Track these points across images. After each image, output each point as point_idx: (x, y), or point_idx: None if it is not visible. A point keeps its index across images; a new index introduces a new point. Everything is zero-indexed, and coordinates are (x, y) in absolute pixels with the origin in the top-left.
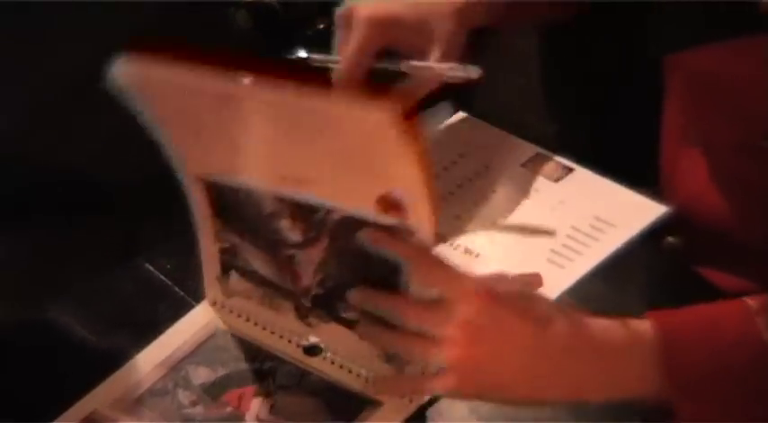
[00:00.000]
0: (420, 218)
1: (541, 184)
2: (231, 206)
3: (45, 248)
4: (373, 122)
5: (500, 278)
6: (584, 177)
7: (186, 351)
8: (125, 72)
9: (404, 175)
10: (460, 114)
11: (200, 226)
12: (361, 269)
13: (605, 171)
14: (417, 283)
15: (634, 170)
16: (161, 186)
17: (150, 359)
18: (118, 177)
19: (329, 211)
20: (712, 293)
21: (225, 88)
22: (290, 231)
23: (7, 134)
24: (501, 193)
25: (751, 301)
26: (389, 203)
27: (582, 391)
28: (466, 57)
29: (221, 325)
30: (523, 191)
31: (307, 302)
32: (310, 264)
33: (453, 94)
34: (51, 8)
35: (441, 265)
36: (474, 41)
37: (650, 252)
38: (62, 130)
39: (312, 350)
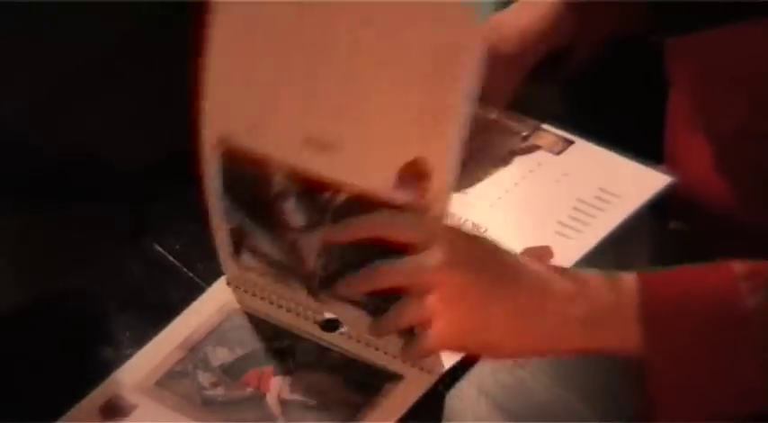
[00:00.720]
0: (438, 193)
1: (543, 157)
2: (240, 185)
3: (55, 230)
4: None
5: None
6: (585, 149)
7: (203, 333)
8: None
9: (440, 134)
10: None
11: (211, 204)
12: (361, 253)
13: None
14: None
15: (638, 152)
16: (171, 167)
17: (168, 341)
18: (127, 158)
19: (336, 192)
20: None
21: None
22: (295, 214)
23: (19, 118)
24: (505, 169)
25: (737, 266)
26: (413, 174)
27: (561, 341)
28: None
29: (237, 305)
30: (526, 165)
31: (314, 284)
32: (313, 248)
33: None
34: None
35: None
36: None
37: (655, 236)
38: (71, 113)
39: (329, 325)
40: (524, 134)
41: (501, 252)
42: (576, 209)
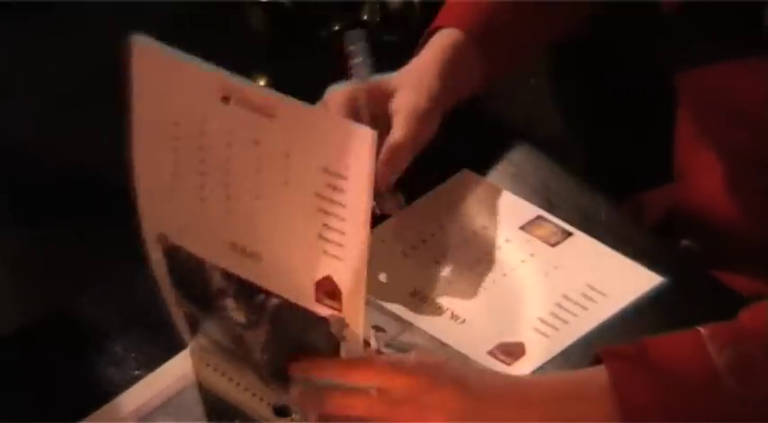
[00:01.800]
0: (352, 311)
1: (538, 247)
2: (185, 278)
3: (63, 249)
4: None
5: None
6: (582, 242)
7: (156, 405)
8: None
9: (344, 255)
10: (467, 172)
11: (162, 288)
12: (301, 352)
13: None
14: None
15: (648, 168)
16: None
17: (118, 410)
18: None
19: (269, 296)
20: (729, 296)
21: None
22: (235, 312)
23: (29, 138)
24: (496, 257)
25: (703, 330)
26: (327, 290)
27: None
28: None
29: (194, 378)
30: (519, 255)
31: (264, 373)
32: (257, 343)
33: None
34: (65, 8)
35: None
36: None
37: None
38: (79, 133)
39: (282, 411)
40: (523, 222)
41: (463, 385)
42: (558, 305)
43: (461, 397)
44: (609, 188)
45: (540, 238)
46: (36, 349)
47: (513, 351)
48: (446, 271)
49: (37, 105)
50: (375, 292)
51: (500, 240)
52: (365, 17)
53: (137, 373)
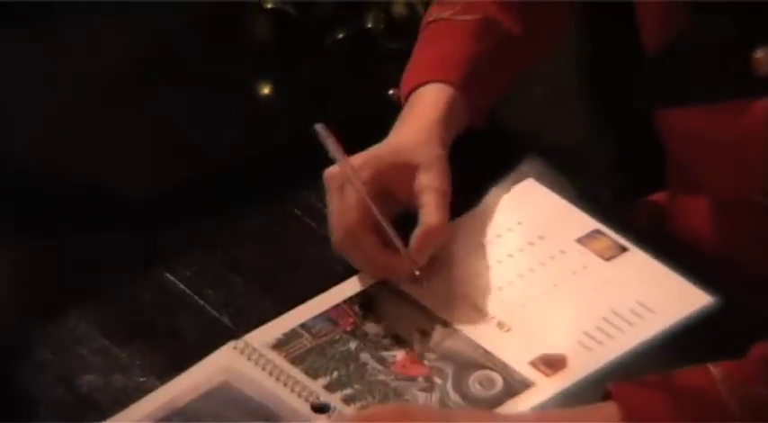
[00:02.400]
0: None
1: (592, 261)
2: None
3: (66, 258)
4: None
5: None
6: (636, 258)
7: (192, 397)
8: None
9: None
10: (530, 181)
11: None
12: None
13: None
14: None
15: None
16: (181, 196)
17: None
18: (138, 188)
19: None
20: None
21: None
22: None
23: (30, 148)
24: (549, 268)
25: (714, 369)
26: None
27: None
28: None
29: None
30: (572, 267)
31: None
32: None
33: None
34: (72, 23)
35: None
36: None
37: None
38: (82, 144)
39: (321, 409)
40: (579, 235)
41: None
42: (606, 320)
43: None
44: (614, 194)
45: (594, 251)
46: (40, 359)
47: (554, 362)
48: (498, 278)
49: (42, 119)
50: (425, 296)
51: (555, 251)
52: (370, 24)
53: (141, 380)
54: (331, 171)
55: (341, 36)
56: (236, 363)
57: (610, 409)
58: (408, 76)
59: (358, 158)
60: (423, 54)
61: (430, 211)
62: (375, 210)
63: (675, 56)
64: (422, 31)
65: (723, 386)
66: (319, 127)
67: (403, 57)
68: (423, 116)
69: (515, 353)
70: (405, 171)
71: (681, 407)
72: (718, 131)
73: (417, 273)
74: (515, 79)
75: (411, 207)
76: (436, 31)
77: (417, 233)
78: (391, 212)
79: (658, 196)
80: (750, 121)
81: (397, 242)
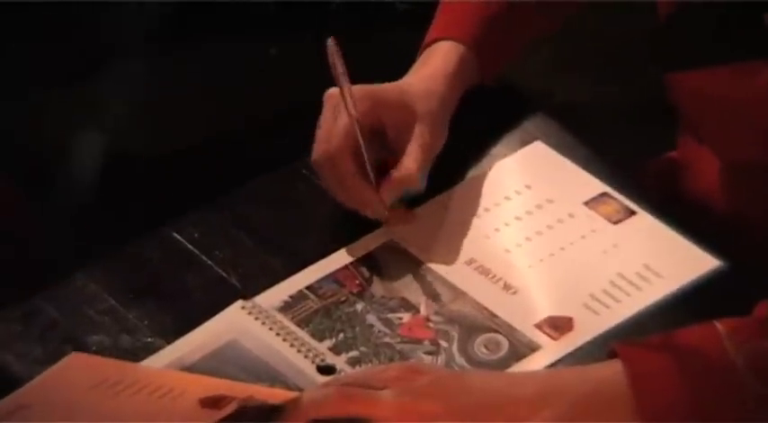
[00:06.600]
0: None
1: (600, 224)
2: None
3: (74, 218)
4: None
5: None
6: (644, 222)
7: (200, 356)
8: None
9: None
10: (538, 144)
11: None
12: None
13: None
14: None
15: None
16: (189, 156)
17: (160, 361)
18: (145, 147)
19: None
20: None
21: None
22: None
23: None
24: (557, 231)
25: (720, 326)
26: None
27: None
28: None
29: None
30: (580, 230)
31: None
32: None
33: None
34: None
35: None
36: None
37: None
38: (87, 105)
39: (326, 370)
40: (587, 198)
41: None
42: (612, 283)
43: (452, 375)
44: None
45: (602, 215)
46: (49, 321)
47: (560, 325)
48: (505, 241)
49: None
50: (433, 258)
51: (563, 214)
52: None
53: (149, 340)
54: (332, 90)
55: None
56: (244, 321)
57: (615, 367)
58: (427, 35)
59: (362, 89)
60: (441, 13)
61: (410, 159)
62: (361, 139)
63: (688, 18)
64: None
65: (728, 342)
66: (331, 42)
67: (415, 17)
68: (432, 67)
69: (521, 315)
70: (402, 111)
71: (686, 363)
72: (729, 93)
73: (386, 214)
74: (528, 44)
75: (395, 149)
76: None
77: (392, 173)
78: (376, 151)
79: (668, 157)
80: (762, 82)
81: (371, 175)
